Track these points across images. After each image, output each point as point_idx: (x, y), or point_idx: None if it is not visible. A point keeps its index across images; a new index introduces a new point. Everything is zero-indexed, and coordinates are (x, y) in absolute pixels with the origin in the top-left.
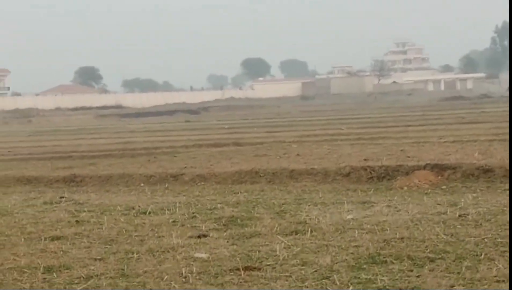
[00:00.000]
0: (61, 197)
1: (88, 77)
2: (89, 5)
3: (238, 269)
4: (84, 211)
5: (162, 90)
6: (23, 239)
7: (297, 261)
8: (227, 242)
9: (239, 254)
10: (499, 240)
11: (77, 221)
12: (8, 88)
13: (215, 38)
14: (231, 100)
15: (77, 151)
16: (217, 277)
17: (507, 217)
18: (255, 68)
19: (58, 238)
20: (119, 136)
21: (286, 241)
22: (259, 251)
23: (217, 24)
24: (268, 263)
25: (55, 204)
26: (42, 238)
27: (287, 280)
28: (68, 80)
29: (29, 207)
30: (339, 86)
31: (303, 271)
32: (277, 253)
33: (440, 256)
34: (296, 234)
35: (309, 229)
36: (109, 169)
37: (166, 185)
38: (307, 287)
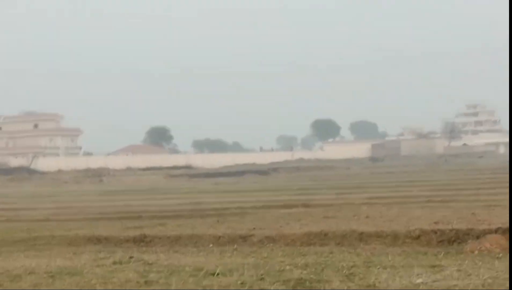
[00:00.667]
0: (130, 257)
1: (159, 137)
2: (159, 68)
3: None
4: (153, 272)
5: (232, 150)
6: None
7: None
8: None
9: None
10: None
11: (145, 282)
12: (80, 148)
13: (285, 98)
14: (300, 161)
15: (147, 211)
16: None
17: None
18: (325, 129)
19: None
20: (189, 196)
21: None
22: None
23: (286, 85)
24: None
25: (125, 264)
26: None
27: None
28: (139, 140)
29: (98, 267)
30: (409, 148)
31: None
32: None
33: None
34: None
35: None
36: (179, 229)
37: (235, 246)
38: None
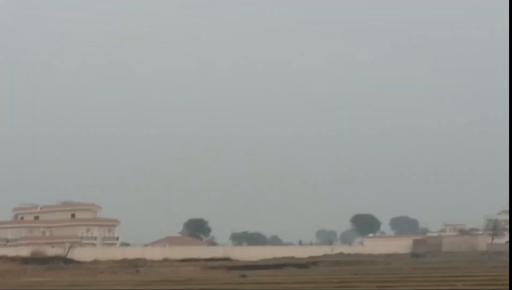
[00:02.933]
0: None
1: (197, 229)
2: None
3: None
4: None
5: (271, 244)
6: None
7: None
8: None
9: None
10: None
11: None
12: (117, 238)
13: (325, 193)
14: (340, 256)
15: None
16: None
17: None
18: (365, 224)
19: None
20: (227, 287)
21: None
22: None
23: (324, 179)
24: None
25: None
26: None
27: None
28: (177, 231)
29: None
30: (451, 245)
31: None
32: None
33: None
34: None
35: None
36: None
37: None
38: None
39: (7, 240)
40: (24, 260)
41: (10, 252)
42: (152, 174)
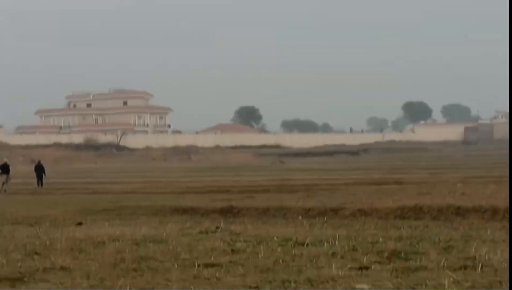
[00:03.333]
0: (217, 227)
1: (248, 116)
2: (253, 49)
3: None
4: (240, 241)
5: (322, 131)
6: (176, 265)
7: None
8: (391, 275)
9: (403, 287)
10: None
11: (232, 250)
12: (169, 126)
13: (376, 80)
14: (391, 143)
15: (235, 186)
16: None
17: None
18: (416, 112)
19: (212, 265)
20: (277, 173)
21: (454, 276)
22: (425, 285)
23: (378, 66)
24: None
25: (211, 234)
26: (196, 265)
27: None
28: (228, 119)
29: (184, 236)
30: (502, 132)
31: None
32: (446, 287)
33: None
34: (465, 269)
35: (480, 265)
36: (267, 202)
37: (325, 218)
38: None
39: (61, 128)
40: (78, 147)
41: (64, 139)
42: (204, 61)
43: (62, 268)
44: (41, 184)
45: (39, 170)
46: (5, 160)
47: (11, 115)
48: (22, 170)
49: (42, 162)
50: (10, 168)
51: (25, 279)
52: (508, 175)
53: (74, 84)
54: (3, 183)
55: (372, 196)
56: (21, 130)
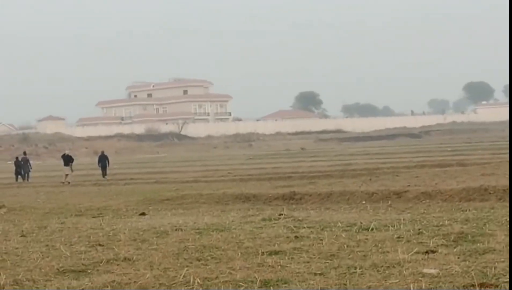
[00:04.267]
0: (280, 214)
1: (308, 102)
2: (315, 29)
3: (472, 285)
4: (304, 227)
5: (382, 115)
6: (239, 254)
7: None
8: (458, 258)
9: (472, 270)
10: None
11: (296, 237)
12: (230, 114)
13: (437, 62)
14: (453, 124)
15: (297, 172)
16: None
17: None
18: (478, 92)
19: (276, 253)
20: (339, 158)
21: None
22: (494, 268)
23: (438, 48)
24: (505, 280)
25: (274, 221)
26: (260, 252)
27: None
28: (288, 105)
29: (247, 224)
30: None
31: None
32: None
33: None
34: None
35: None
36: (329, 187)
37: (389, 202)
38: None
39: (122, 118)
40: (139, 137)
41: (125, 130)
42: (262, 49)
43: (125, 259)
44: (105, 174)
45: (103, 160)
46: (67, 152)
47: (74, 107)
48: (85, 162)
49: (105, 153)
50: (73, 159)
51: (88, 270)
52: (509, 168)
53: (134, 74)
54: (67, 175)
55: (435, 178)
56: (83, 122)
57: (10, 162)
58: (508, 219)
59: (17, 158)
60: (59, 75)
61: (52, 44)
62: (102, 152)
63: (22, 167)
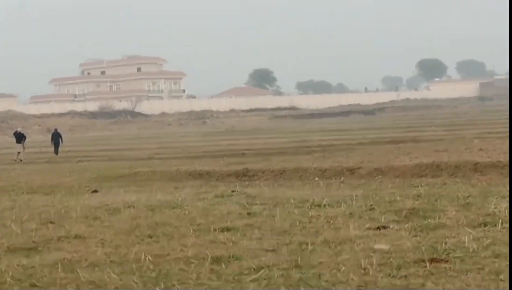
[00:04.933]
0: (232, 191)
1: (262, 79)
2: (256, 14)
3: (423, 261)
4: (256, 204)
5: (336, 92)
6: (192, 230)
7: (488, 253)
8: (409, 233)
9: (423, 245)
10: None
11: (248, 213)
12: (184, 91)
13: (389, 39)
14: (406, 101)
15: (251, 149)
16: (399, 269)
17: None
18: (431, 69)
19: (228, 229)
20: (293, 135)
21: (474, 233)
22: (445, 243)
23: (390, 25)
24: (456, 255)
25: (227, 197)
26: (212, 229)
27: (479, 273)
28: (242, 82)
29: (200, 201)
30: None
31: (496, 264)
32: (466, 245)
33: None
34: (485, 226)
35: (500, 221)
36: (283, 164)
37: (342, 179)
38: (502, 280)
39: (75, 96)
40: (93, 115)
41: (79, 107)
42: (216, 25)
43: (77, 237)
44: (57, 152)
45: (56, 137)
46: (19, 129)
47: (26, 84)
48: (38, 139)
49: (59, 130)
50: (25, 137)
51: (39, 248)
52: (508, 165)
53: (87, 52)
54: (19, 153)
55: (388, 155)
56: (36, 99)
57: None
58: (459, 195)
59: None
60: (11, 51)
61: (3, 19)
62: (55, 130)
63: None
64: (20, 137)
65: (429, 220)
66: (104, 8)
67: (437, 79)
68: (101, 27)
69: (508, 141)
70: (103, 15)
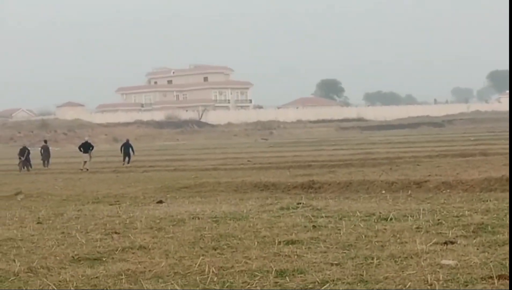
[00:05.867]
0: (298, 203)
1: (330, 90)
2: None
3: (491, 278)
4: (322, 217)
5: (405, 103)
6: (256, 243)
7: None
8: (477, 249)
9: (491, 262)
10: None
11: (314, 226)
12: (250, 101)
13: (460, 50)
14: (476, 113)
15: (317, 160)
16: (466, 285)
17: None
18: (502, 81)
19: (293, 242)
20: (360, 147)
21: None
22: None
23: (461, 35)
24: None
25: (292, 210)
26: (276, 242)
27: None
28: (310, 93)
29: (264, 212)
30: None
31: None
32: None
33: None
34: None
35: None
36: (349, 176)
37: (409, 192)
38: None
39: (142, 105)
40: (159, 124)
41: (145, 116)
42: (285, 35)
43: (141, 247)
44: (128, 162)
45: (127, 148)
46: (86, 138)
47: (93, 93)
48: (104, 148)
49: (130, 141)
50: (92, 146)
51: (103, 258)
52: (509, 169)
53: (154, 61)
54: (85, 162)
55: (457, 168)
56: (103, 108)
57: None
58: None
59: (24, 146)
60: (79, 62)
61: (71, 30)
62: (127, 140)
63: (42, 155)
64: (87, 147)
65: (498, 235)
66: (171, 18)
67: (508, 91)
68: (168, 36)
69: (509, 141)
70: (170, 25)
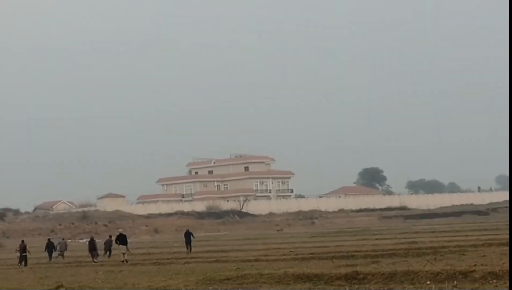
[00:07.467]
0: None
1: (372, 178)
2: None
3: None
4: None
5: (448, 191)
6: None
7: None
8: None
9: None
10: None
11: None
12: (292, 190)
13: (502, 136)
14: None
15: (360, 250)
16: None
17: None
18: None
19: None
20: (403, 236)
21: None
22: None
23: (503, 120)
24: None
25: None
26: None
27: None
28: (351, 181)
29: None
30: None
31: None
32: None
33: None
34: None
35: None
36: (393, 267)
37: (455, 283)
38: None
39: (183, 195)
40: (200, 215)
41: (186, 207)
42: (324, 125)
43: None
44: (190, 249)
45: (188, 236)
46: (121, 230)
47: (134, 185)
48: (145, 240)
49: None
50: (128, 238)
51: None
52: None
53: (195, 151)
54: (123, 254)
55: (503, 257)
56: (143, 199)
57: (83, 240)
58: None
59: (49, 239)
60: (119, 153)
61: (111, 122)
62: (187, 230)
63: (107, 246)
64: (123, 239)
65: None
66: (211, 112)
67: None
68: (209, 127)
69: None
70: (210, 116)
